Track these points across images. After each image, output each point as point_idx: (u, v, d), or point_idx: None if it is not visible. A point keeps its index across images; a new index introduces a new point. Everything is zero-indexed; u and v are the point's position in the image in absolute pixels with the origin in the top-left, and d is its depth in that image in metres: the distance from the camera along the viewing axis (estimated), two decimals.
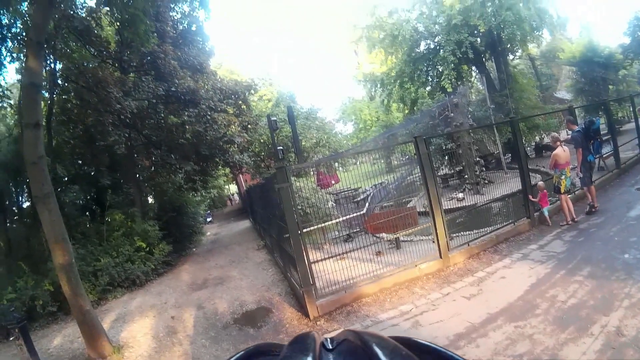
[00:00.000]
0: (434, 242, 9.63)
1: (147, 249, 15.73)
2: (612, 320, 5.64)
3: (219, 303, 10.55)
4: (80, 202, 17.45)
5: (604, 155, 15.23)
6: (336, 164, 19.85)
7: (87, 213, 17.80)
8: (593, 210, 11.21)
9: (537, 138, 28.73)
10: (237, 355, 1.32)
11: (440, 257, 9.40)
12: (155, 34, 15.11)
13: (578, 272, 7.53)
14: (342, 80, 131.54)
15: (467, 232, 10.98)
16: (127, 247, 15.01)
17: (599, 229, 9.97)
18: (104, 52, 17.27)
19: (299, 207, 12.69)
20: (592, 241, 9.22)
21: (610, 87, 34.05)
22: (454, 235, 10.61)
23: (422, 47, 30.43)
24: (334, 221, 13.88)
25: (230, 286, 12.22)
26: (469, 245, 10.01)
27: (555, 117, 27.43)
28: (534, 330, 5.80)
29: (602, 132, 13.98)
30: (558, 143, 11.01)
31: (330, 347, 1.23)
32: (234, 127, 21.48)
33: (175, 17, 19.46)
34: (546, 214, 11.25)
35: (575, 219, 10.77)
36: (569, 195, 11.30)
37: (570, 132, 12.24)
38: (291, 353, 1.23)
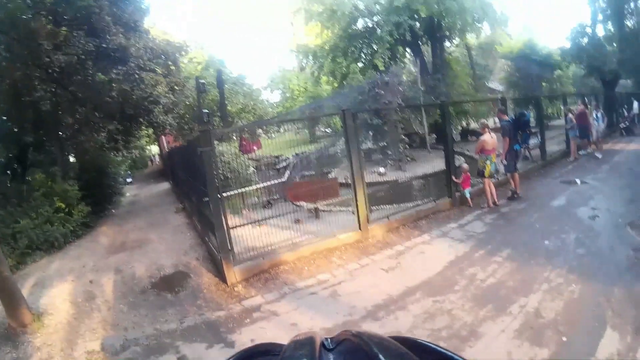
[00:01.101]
0: (353, 213, 9.62)
1: (67, 209, 15.00)
2: (531, 302, 5.75)
3: (137, 267, 10.20)
4: (1, 160, 16.54)
5: (530, 147, 16.10)
6: (260, 131, 19.67)
7: (8, 172, 16.93)
8: (515, 196, 11.73)
9: (464, 123, 29.54)
10: (237, 355, 1.29)
11: (360, 229, 9.39)
12: None
13: (498, 254, 7.70)
14: (276, 50, 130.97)
15: (388, 207, 11.05)
16: (47, 208, 14.26)
17: (520, 214, 10.36)
18: (39, 3, 16.23)
19: (220, 172, 12.46)
20: (512, 225, 9.55)
21: (544, 84, 35.77)
22: (374, 208, 10.63)
23: (360, 24, 30.61)
24: (254, 187, 13.77)
25: (148, 249, 11.88)
26: (388, 219, 10.07)
27: (485, 106, 28.23)
28: (452, 306, 5.84)
29: (531, 126, 14.49)
30: (486, 130, 11.34)
31: (330, 347, 1.18)
32: (161, 87, 20.86)
33: None
34: (467, 195, 11.57)
35: (497, 203, 11.19)
36: (492, 180, 11.61)
37: (500, 120, 12.54)
38: (291, 353, 1.17)
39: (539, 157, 16.46)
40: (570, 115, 17.67)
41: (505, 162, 11.97)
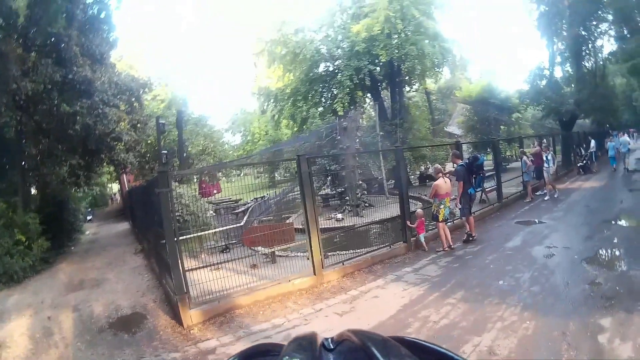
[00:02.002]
0: (308, 259, 9.69)
1: (27, 243, 14.74)
2: (485, 341, 5.85)
3: (95, 306, 10.15)
4: None
5: (487, 190, 16.41)
6: (219, 174, 19.66)
7: None
8: (470, 239, 11.92)
9: (423, 167, 29.95)
10: (237, 355, 1.32)
11: (315, 274, 9.42)
12: (65, 15, 14.67)
13: (451, 295, 7.82)
14: (239, 91, 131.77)
15: (344, 252, 11.15)
16: (7, 240, 13.95)
17: (475, 256, 10.56)
18: (10, 26, 16.17)
19: (178, 214, 12.50)
20: (467, 267, 9.72)
21: (502, 127, 36.70)
22: (330, 253, 10.72)
23: (321, 68, 31.25)
24: (212, 231, 13.79)
25: (106, 289, 11.82)
26: (343, 264, 10.14)
27: (443, 150, 28.76)
28: None
29: (488, 168, 14.78)
30: (440, 174, 11.57)
31: (331, 347, 1.19)
32: (123, 124, 20.83)
33: (87, 1, 18.42)
34: (422, 239, 11.68)
35: (452, 246, 11.31)
36: (447, 224, 11.86)
37: (455, 165, 12.84)
38: (291, 353, 1.19)
39: (495, 199, 16.83)
40: (525, 157, 18.26)
41: (460, 205, 12.21)
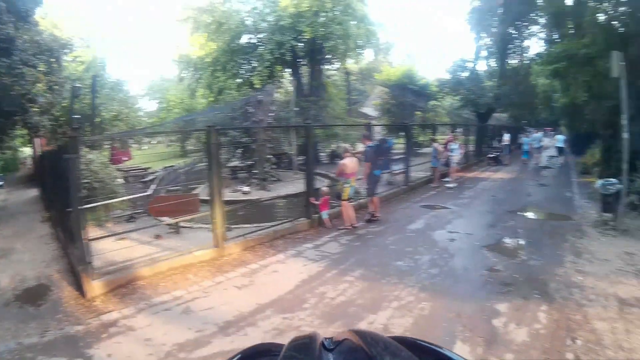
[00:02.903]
0: (210, 231, 9.62)
1: None
2: (380, 318, 6.05)
3: (1, 277, 9.54)
4: None
5: (395, 172, 16.97)
6: (131, 141, 19.15)
7: None
8: (374, 219, 12.21)
9: (334, 146, 30.19)
10: (237, 355, 1.34)
11: (216, 247, 9.39)
12: None
13: (350, 273, 8.00)
14: (161, 58, 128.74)
15: (247, 225, 11.24)
16: None
17: (376, 236, 10.82)
18: None
19: (87, 181, 12.06)
20: (368, 246, 9.94)
21: (418, 113, 37.59)
22: (234, 226, 10.76)
23: (244, 40, 30.84)
24: (119, 199, 13.51)
25: (12, 259, 11.15)
26: (245, 237, 10.13)
27: (356, 130, 29.03)
28: (301, 323, 6.01)
29: (399, 152, 14.99)
30: (347, 154, 11.79)
31: (331, 347, 1.22)
32: (40, 85, 19.67)
33: None
34: (325, 217, 11.84)
35: (355, 225, 11.52)
36: (352, 203, 11.95)
37: (364, 146, 12.97)
38: (291, 353, 1.21)
39: (402, 182, 17.15)
40: (435, 144, 18.74)
41: (366, 186, 12.48)
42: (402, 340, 1.19)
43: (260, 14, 29.61)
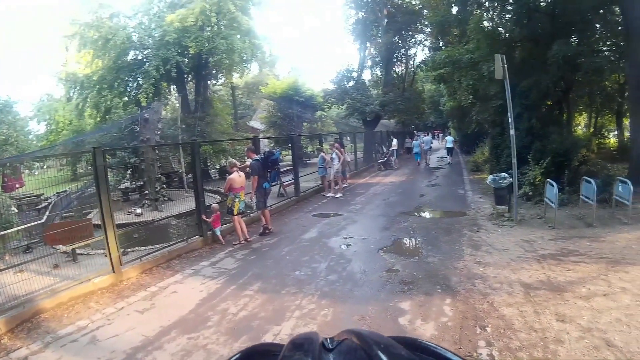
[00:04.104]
0: (106, 256, 9.35)
1: None
2: (284, 329, 6.16)
3: None
4: None
5: (285, 183, 17.23)
6: (22, 166, 18.29)
7: None
8: (267, 231, 12.42)
9: (224, 161, 30.14)
10: (237, 355, 1.32)
11: (114, 272, 9.13)
12: None
13: (249, 287, 8.09)
14: (49, 76, 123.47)
15: (143, 248, 11.09)
16: None
17: (271, 248, 10.97)
18: None
19: None
20: (264, 259, 10.07)
21: (305, 124, 38.07)
22: (130, 250, 10.62)
23: (131, 56, 30.12)
24: (12, 230, 12.73)
25: None
26: (141, 260, 9.95)
27: (243, 144, 29.12)
28: (207, 341, 6.01)
29: (287, 163, 15.16)
30: (234, 168, 11.80)
31: (330, 347, 1.21)
32: None
33: None
34: (218, 233, 11.85)
35: (249, 239, 11.64)
36: (243, 217, 12.14)
37: (250, 159, 13.08)
38: (290, 353, 1.20)
39: (293, 192, 17.48)
40: (322, 153, 19.02)
41: (255, 199, 12.60)
42: (402, 340, 1.20)
43: (146, 30, 29.09)
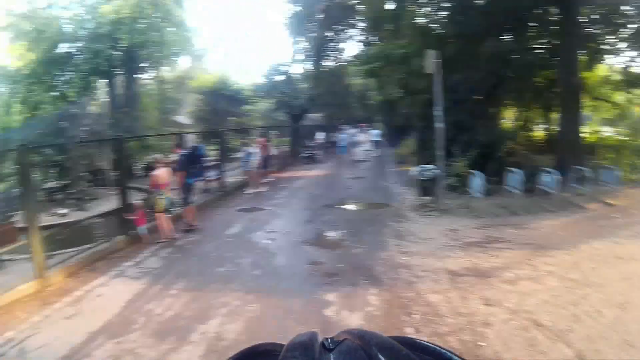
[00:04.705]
0: (31, 261, 9.03)
1: None
2: (211, 327, 6.22)
3: None
4: None
5: (210, 179, 17.15)
6: None
7: None
8: (192, 228, 12.29)
9: (151, 157, 29.82)
10: (236, 355, 1.26)
11: (39, 277, 8.86)
12: None
13: (174, 286, 8.04)
14: None
15: (67, 250, 10.63)
16: None
17: (196, 245, 10.94)
18: None
19: None
20: (188, 257, 10.03)
21: (233, 118, 37.86)
22: (56, 253, 10.20)
23: (62, 49, 29.01)
24: None
25: None
26: (66, 263, 9.70)
27: (170, 139, 28.85)
28: (134, 345, 5.98)
29: (213, 158, 15.12)
30: (159, 164, 11.73)
31: (330, 347, 1.18)
32: None
33: None
34: (143, 232, 11.62)
35: (173, 237, 11.45)
36: (168, 215, 11.86)
37: (176, 155, 13.14)
38: (290, 353, 1.16)
39: (218, 188, 17.46)
40: (247, 148, 19.02)
41: (180, 195, 12.56)
42: (402, 340, 1.19)
43: (80, 21, 28.10)
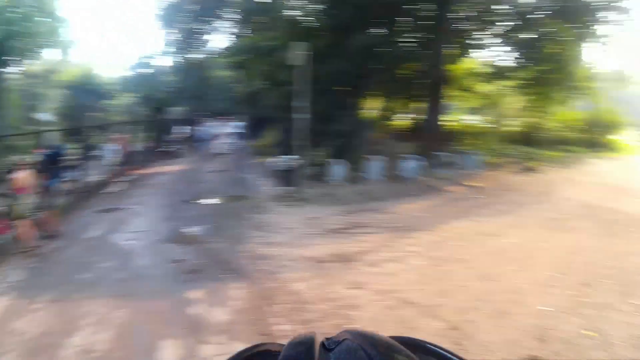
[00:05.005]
0: None
1: None
2: (79, 340, 5.84)
3: None
4: None
5: (72, 180, 16.00)
6: None
7: None
8: (55, 234, 11.33)
9: (16, 159, 28.58)
10: (236, 355, 1.29)
11: None
12: None
13: (37, 300, 7.37)
14: None
15: None
16: None
17: (60, 252, 10.18)
18: None
19: None
20: (52, 265, 9.33)
21: (97, 114, 36.25)
22: None
23: None
24: None
25: None
26: None
27: (32, 139, 27.80)
28: None
29: (75, 157, 14.67)
30: (19, 167, 10.79)
31: (330, 347, 1.21)
32: None
33: None
34: (4, 241, 10.54)
35: (36, 245, 10.45)
36: (30, 220, 10.84)
37: (37, 155, 12.39)
38: (290, 353, 1.20)
39: (80, 189, 16.44)
40: (108, 145, 18.97)
41: (41, 200, 11.57)
42: (402, 340, 1.22)
43: None
